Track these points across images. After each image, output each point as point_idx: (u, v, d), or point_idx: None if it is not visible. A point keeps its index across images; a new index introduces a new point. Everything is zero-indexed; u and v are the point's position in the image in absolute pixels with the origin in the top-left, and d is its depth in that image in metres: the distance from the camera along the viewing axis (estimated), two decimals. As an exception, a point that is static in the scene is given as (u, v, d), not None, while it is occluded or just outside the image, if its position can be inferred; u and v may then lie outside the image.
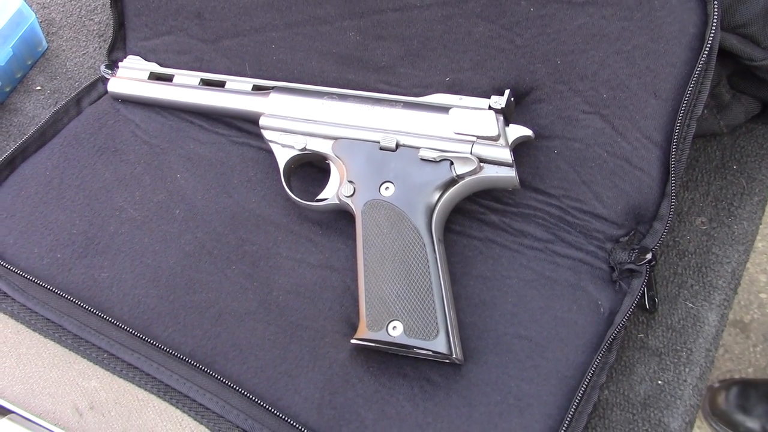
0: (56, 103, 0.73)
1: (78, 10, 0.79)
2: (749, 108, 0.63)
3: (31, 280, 0.59)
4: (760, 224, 0.62)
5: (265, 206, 0.63)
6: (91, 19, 0.78)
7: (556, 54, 0.57)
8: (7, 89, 0.74)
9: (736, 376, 1.17)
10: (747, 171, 0.63)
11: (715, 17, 0.52)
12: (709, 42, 0.52)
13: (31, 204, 0.63)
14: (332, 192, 0.60)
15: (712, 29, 0.52)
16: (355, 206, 0.58)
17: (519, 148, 0.58)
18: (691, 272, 0.59)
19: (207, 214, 0.62)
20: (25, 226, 0.62)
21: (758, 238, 1.35)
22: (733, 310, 1.24)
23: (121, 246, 0.61)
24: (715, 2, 0.51)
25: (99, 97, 0.70)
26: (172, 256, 0.60)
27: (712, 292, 0.58)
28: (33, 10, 0.75)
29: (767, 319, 1.27)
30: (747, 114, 0.63)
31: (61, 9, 0.79)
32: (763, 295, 1.30)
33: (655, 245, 0.56)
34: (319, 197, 0.60)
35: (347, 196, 0.58)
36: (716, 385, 1.11)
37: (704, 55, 0.53)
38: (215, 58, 0.68)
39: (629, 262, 0.56)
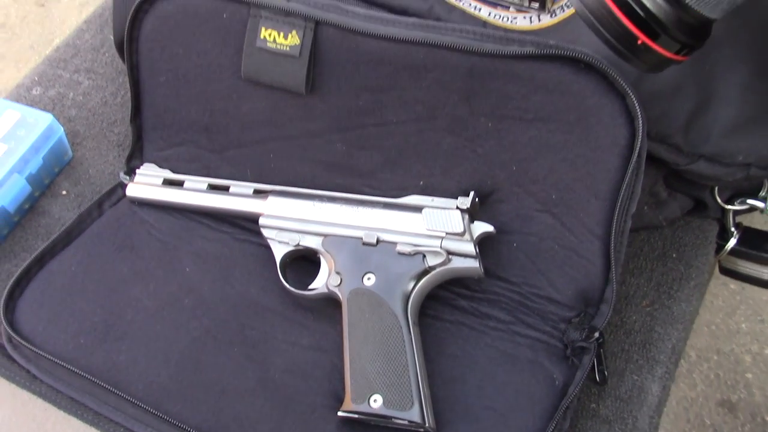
0: (80, 206, 0.81)
1: (100, 123, 0.88)
2: (684, 204, 0.72)
3: (58, 363, 0.65)
4: (699, 305, 0.70)
5: (264, 295, 0.70)
6: (112, 131, 0.87)
7: (512, 161, 0.66)
8: (37, 194, 0.82)
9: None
10: (685, 259, 0.72)
11: (641, 132, 0.61)
12: (637, 152, 0.61)
13: (58, 296, 0.70)
14: (322, 282, 0.67)
15: (638, 141, 0.61)
16: (342, 294, 0.65)
17: (484, 241, 0.66)
18: (636, 348, 0.67)
19: (212, 303, 0.70)
20: (52, 315, 0.69)
21: (741, 319, 1.42)
22: (720, 390, 1.30)
23: (136, 332, 0.68)
24: (640, 121, 0.61)
25: (118, 201, 0.78)
26: (182, 340, 0.67)
27: (654, 366, 0.65)
28: (61, 124, 0.84)
29: (754, 399, 1.30)
30: (682, 209, 0.72)
31: (86, 122, 0.88)
32: (749, 375, 1.33)
33: (602, 325, 0.64)
34: (311, 287, 0.68)
35: (335, 286, 0.66)
36: None
37: (633, 163, 0.61)
38: (221, 166, 0.76)
39: (580, 341, 0.63)
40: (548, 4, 0.67)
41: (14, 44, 1.84)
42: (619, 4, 0.49)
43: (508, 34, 0.64)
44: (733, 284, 1.45)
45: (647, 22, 0.49)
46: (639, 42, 0.50)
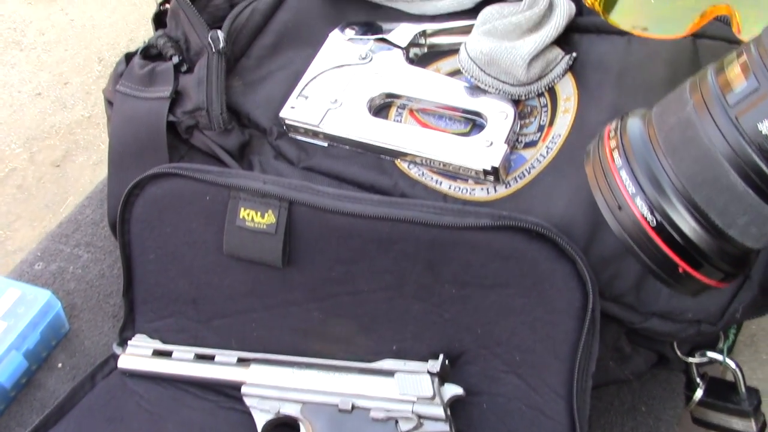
0: (74, 378, 0.84)
1: (97, 295, 0.93)
2: (648, 358, 0.74)
3: None
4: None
5: (246, 465, 0.73)
6: (108, 302, 0.92)
7: (477, 325, 0.70)
8: (34, 368, 0.86)
9: None
10: (654, 412, 0.73)
11: (592, 294, 0.65)
12: (590, 314, 0.65)
13: (49, 471, 0.73)
14: (301, 449, 0.70)
15: (590, 303, 0.65)
16: (320, 462, 0.68)
17: (455, 403, 0.69)
18: (611, 505, 0.68)
19: (195, 475, 0.72)
20: (42, 491, 0.72)
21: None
22: None
23: (121, 506, 0.70)
24: (590, 284, 0.65)
25: (110, 372, 0.80)
26: None
27: None
28: (60, 298, 0.88)
29: None
30: (647, 363, 0.75)
31: (83, 295, 0.93)
32: None
33: (574, 484, 0.65)
34: (291, 454, 0.71)
35: (313, 452, 0.69)
36: None
37: (587, 324, 0.65)
38: (207, 335, 0.79)
39: (554, 500, 0.65)
40: (502, 177, 0.73)
41: (30, 204, 1.93)
42: (659, 231, 0.47)
43: (465, 207, 0.69)
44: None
45: (688, 251, 0.47)
46: (680, 270, 0.48)
